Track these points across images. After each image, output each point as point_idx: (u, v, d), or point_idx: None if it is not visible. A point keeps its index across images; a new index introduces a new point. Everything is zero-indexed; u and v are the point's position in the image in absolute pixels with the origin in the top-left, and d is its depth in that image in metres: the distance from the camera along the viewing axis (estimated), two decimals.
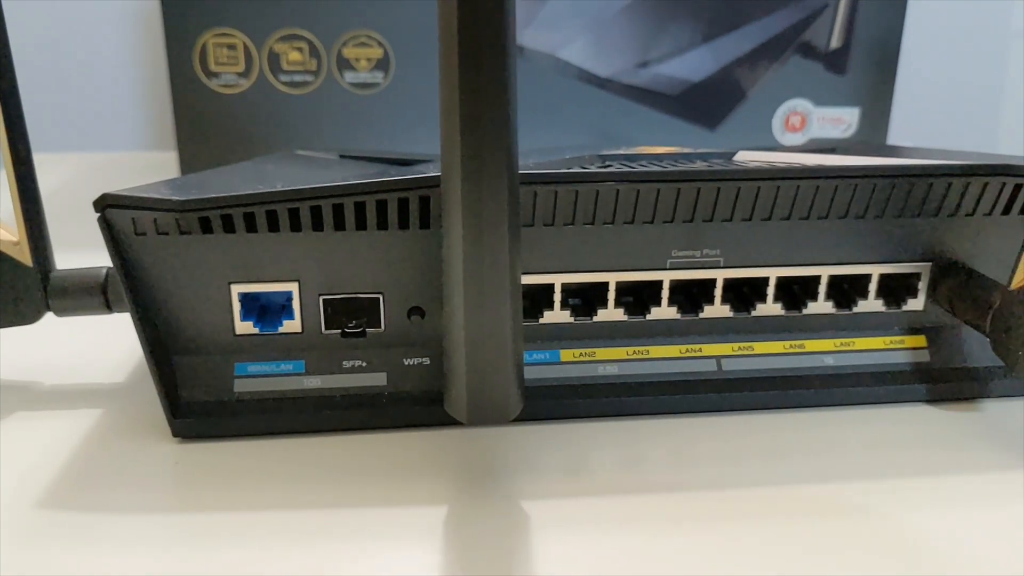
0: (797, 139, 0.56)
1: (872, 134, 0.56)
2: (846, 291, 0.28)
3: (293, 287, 0.25)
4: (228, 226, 0.24)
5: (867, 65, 0.55)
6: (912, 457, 0.24)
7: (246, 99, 0.52)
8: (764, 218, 0.26)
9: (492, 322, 0.20)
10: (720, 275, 0.27)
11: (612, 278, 0.26)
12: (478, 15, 0.17)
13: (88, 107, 0.65)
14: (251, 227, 0.24)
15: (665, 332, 0.27)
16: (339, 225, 0.24)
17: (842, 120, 0.56)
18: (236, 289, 0.25)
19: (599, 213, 0.25)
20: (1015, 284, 0.24)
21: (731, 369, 0.27)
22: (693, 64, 0.54)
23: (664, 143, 0.55)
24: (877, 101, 0.56)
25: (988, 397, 0.28)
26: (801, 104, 0.56)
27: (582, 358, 0.27)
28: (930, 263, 0.27)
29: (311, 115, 0.52)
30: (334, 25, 0.51)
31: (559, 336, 0.27)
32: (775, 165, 0.26)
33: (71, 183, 0.55)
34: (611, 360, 0.27)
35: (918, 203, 0.26)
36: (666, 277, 0.26)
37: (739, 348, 0.27)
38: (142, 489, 0.22)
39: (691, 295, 0.27)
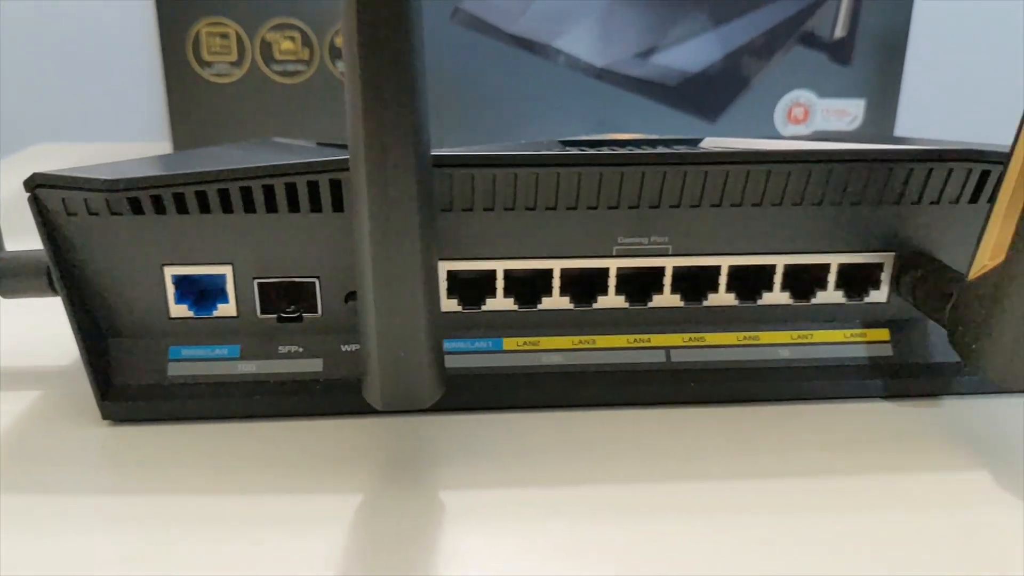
0: (800, 131, 0.55)
1: (879, 126, 0.55)
2: (804, 281, 0.27)
3: (227, 270, 0.25)
4: (159, 207, 0.24)
5: (873, 56, 0.54)
6: (864, 455, 0.23)
7: (239, 88, 0.52)
8: (714, 204, 0.25)
9: (403, 307, 0.20)
10: (669, 263, 0.26)
11: (556, 265, 0.26)
12: None
13: (84, 98, 0.65)
14: (182, 208, 0.24)
15: (612, 321, 0.26)
16: (271, 207, 0.24)
17: (847, 112, 0.55)
18: (169, 271, 0.24)
19: (540, 198, 0.24)
20: (972, 275, 0.22)
21: (681, 360, 0.26)
22: (691, 54, 0.53)
23: (662, 134, 0.54)
24: (884, 92, 0.54)
25: (952, 394, 0.26)
26: (804, 95, 0.54)
27: (525, 347, 0.26)
28: (893, 253, 0.26)
29: (304, 104, 0.52)
30: (326, 14, 0.51)
31: (502, 324, 0.26)
32: (729, 150, 0.25)
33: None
34: (556, 349, 0.26)
35: (879, 190, 0.25)
36: (612, 265, 0.26)
37: (690, 339, 0.26)
38: (64, 471, 0.22)
39: (639, 283, 0.26)
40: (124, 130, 0.64)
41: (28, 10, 0.64)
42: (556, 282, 0.26)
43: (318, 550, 0.19)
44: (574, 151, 0.24)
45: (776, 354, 0.27)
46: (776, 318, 0.27)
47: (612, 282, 0.26)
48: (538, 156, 0.24)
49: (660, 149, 0.25)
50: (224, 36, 0.51)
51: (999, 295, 0.22)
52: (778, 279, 0.26)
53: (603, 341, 0.26)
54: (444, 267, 0.25)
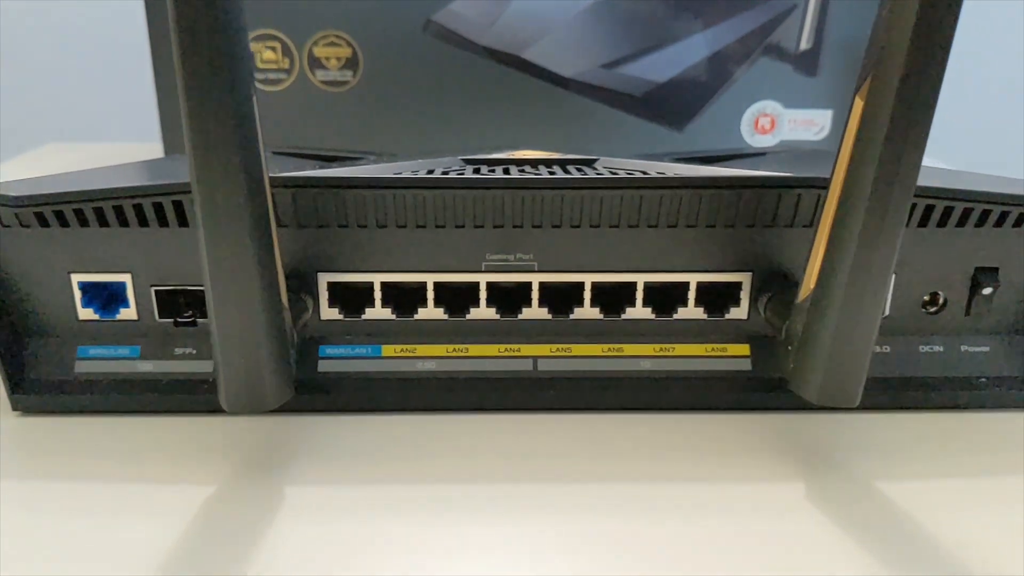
0: (767, 141, 0.56)
1: None
2: (665, 298, 0.28)
3: (127, 278, 0.27)
4: (62, 221, 0.26)
5: (839, 67, 0.54)
6: (701, 463, 0.25)
7: None
8: (574, 225, 0.27)
9: (239, 316, 0.22)
10: (536, 278, 0.28)
11: (430, 279, 0.28)
12: (195, 28, 0.19)
13: (94, 98, 0.69)
14: (83, 222, 0.26)
15: (484, 332, 0.28)
16: (163, 222, 0.26)
17: (814, 122, 0.55)
18: (75, 278, 0.27)
19: (409, 217, 0.26)
20: (800, 298, 0.24)
21: (547, 369, 0.28)
22: (658, 65, 0.54)
23: (629, 144, 0.55)
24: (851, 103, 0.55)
25: (805, 410, 0.28)
26: (771, 106, 0.55)
27: (403, 354, 0.28)
28: (750, 273, 0.28)
29: (285, 111, 0.55)
30: (305, 25, 0.53)
31: (381, 332, 0.28)
32: (595, 174, 0.27)
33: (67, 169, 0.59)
34: (431, 356, 0.28)
35: (733, 214, 0.27)
36: (482, 279, 0.28)
37: (557, 349, 0.28)
38: None
39: (509, 297, 0.28)
40: (131, 131, 0.67)
41: (36, 12, 0.68)
42: (430, 294, 0.28)
43: (160, 535, 0.21)
44: (451, 173, 0.26)
45: (638, 365, 0.28)
46: (641, 332, 0.28)
47: (483, 295, 0.28)
48: (404, 179, 0.26)
49: (525, 173, 0.27)
50: None
51: (811, 319, 0.23)
52: (640, 296, 0.28)
53: (475, 350, 0.28)
54: (325, 279, 0.27)
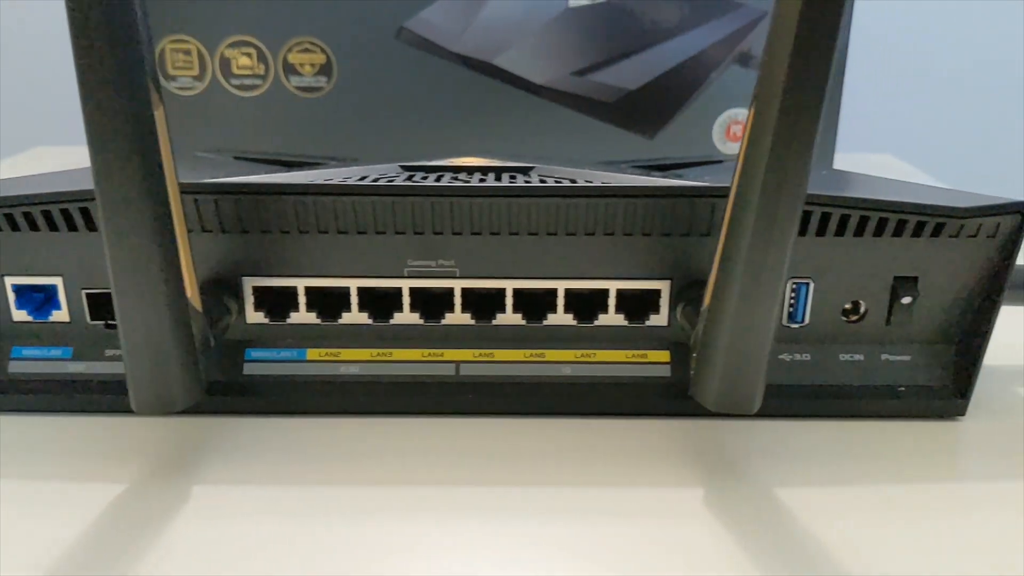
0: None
1: (819, 143, 0.55)
2: (587, 305, 0.28)
3: (58, 281, 0.28)
4: None
5: None
6: (608, 468, 0.25)
7: (201, 101, 0.55)
8: (494, 233, 0.27)
9: (143, 319, 0.22)
10: (457, 285, 0.28)
11: (353, 284, 0.28)
12: (88, 35, 0.19)
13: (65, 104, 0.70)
14: (14, 226, 0.27)
15: (408, 337, 0.29)
16: (91, 226, 0.27)
17: None
18: (9, 281, 0.28)
19: (331, 223, 0.27)
20: (704, 304, 0.24)
21: (469, 374, 0.29)
22: (629, 72, 0.54)
23: (601, 151, 0.55)
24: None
25: (726, 417, 0.28)
26: (742, 114, 0.55)
27: (327, 357, 0.29)
28: (669, 281, 0.28)
29: (261, 116, 0.56)
30: (280, 32, 0.54)
31: (307, 336, 0.29)
32: (523, 182, 0.27)
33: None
34: (354, 361, 0.29)
35: (650, 223, 0.27)
36: (405, 285, 0.28)
37: (479, 354, 0.29)
38: None
39: (432, 302, 0.28)
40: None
41: (31, 17, 0.69)
42: (354, 299, 0.28)
43: (53, 534, 0.22)
44: (356, 181, 0.27)
45: (559, 371, 0.29)
46: (563, 338, 0.29)
47: (406, 300, 0.28)
48: (324, 186, 0.26)
49: (456, 180, 0.27)
50: (187, 52, 0.54)
51: (707, 326, 0.23)
52: (561, 302, 0.28)
53: (399, 354, 0.29)
54: (250, 283, 0.28)
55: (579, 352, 0.29)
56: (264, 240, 0.27)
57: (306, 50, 0.54)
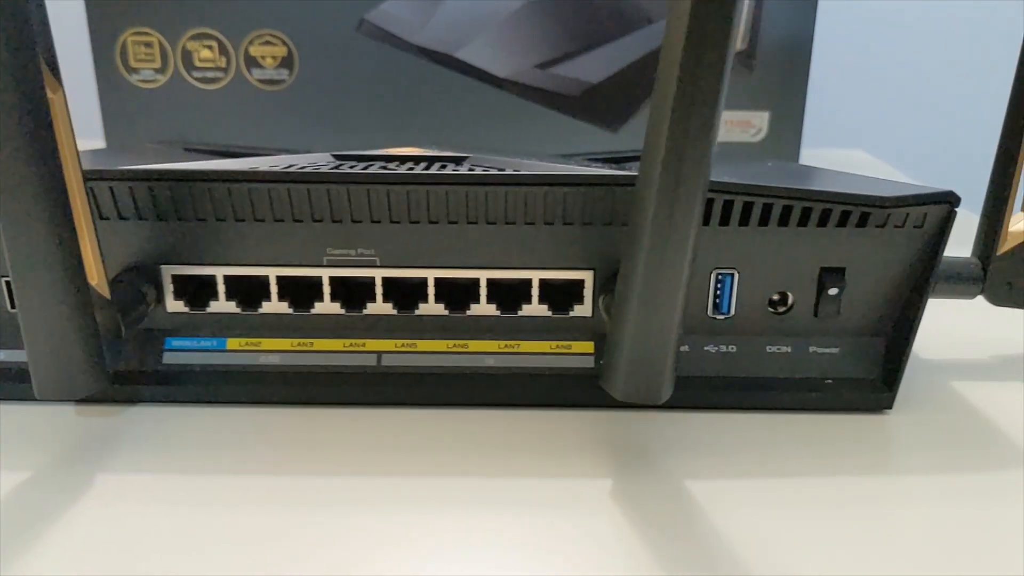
0: None
1: (784, 138, 0.55)
2: (510, 295, 0.28)
3: None
4: None
5: (775, 68, 0.54)
6: (523, 459, 0.25)
7: (164, 93, 0.55)
8: (413, 221, 0.27)
9: (45, 308, 0.22)
10: (378, 274, 0.28)
11: (272, 272, 0.28)
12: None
13: None
14: None
15: (329, 326, 0.28)
16: None
17: (751, 124, 0.55)
18: None
19: (247, 211, 0.27)
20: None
21: (391, 364, 0.28)
22: (592, 66, 0.54)
23: (565, 144, 0.55)
24: (788, 104, 0.54)
25: (651, 409, 0.28)
26: None
27: (247, 347, 0.28)
28: (592, 271, 0.27)
29: (223, 109, 0.55)
30: (241, 24, 0.54)
31: (227, 325, 0.28)
32: (448, 171, 0.27)
33: None
34: (275, 351, 0.28)
35: (571, 212, 0.27)
36: (324, 274, 0.28)
37: (402, 344, 0.28)
38: None
39: (353, 291, 0.28)
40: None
41: None
42: (273, 288, 0.28)
43: None
44: (274, 168, 0.26)
45: (483, 361, 0.28)
46: (487, 328, 0.28)
47: (326, 290, 0.28)
48: (241, 172, 0.26)
49: (386, 169, 0.27)
50: (148, 45, 0.54)
51: (614, 316, 0.23)
52: (483, 292, 0.28)
53: (320, 344, 0.28)
54: (169, 271, 0.28)
55: (503, 343, 0.28)
56: (182, 228, 0.27)
57: (267, 43, 0.54)
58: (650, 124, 0.21)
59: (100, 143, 0.57)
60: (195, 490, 0.23)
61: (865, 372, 0.28)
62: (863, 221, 0.27)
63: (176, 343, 0.28)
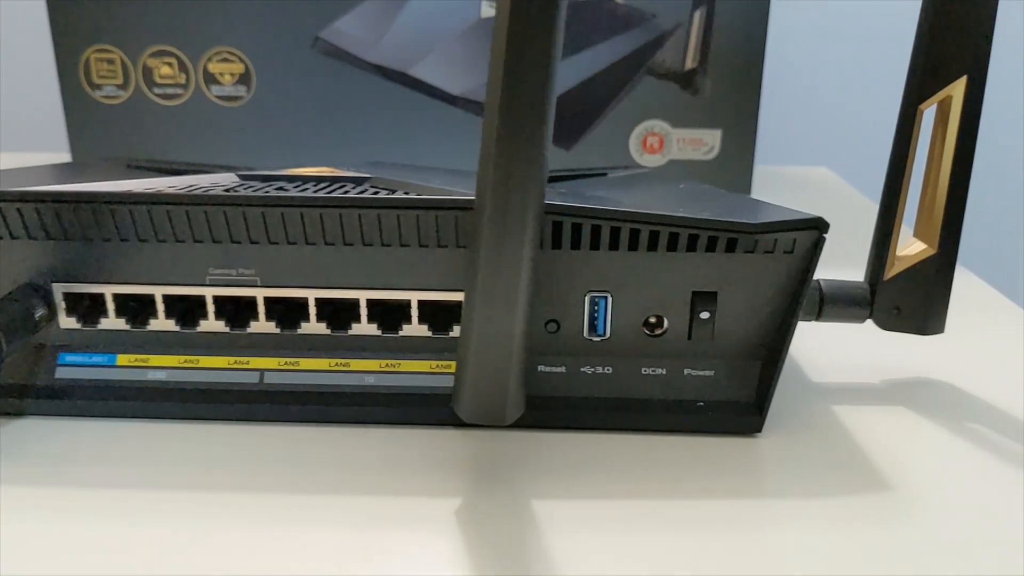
0: (657, 160, 0.56)
1: (736, 155, 0.55)
2: (390, 315, 0.29)
3: None
4: None
5: (727, 86, 0.54)
6: (387, 478, 0.25)
7: (126, 109, 0.56)
8: (291, 242, 0.28)
9: None
10: (259, 293, 0.28)
11: (158, 291, 0.28)
12: None
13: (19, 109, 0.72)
14: None
15: (215, 344, 0.29)
16: None
17: (702, 142, 0.55)
18: None
19: (130, 231, 0.27)
20: None
21: (273, 382, 0.29)
22: None
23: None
24: (740, 122, 0.55)
25: (529, 428, 0.28)
26: (659, 125, 0.55)
27: (136, 363, 0.29)
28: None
29: (183, 125, 0.56)
30: (200, 42, 0.55)
31: (118, 342, 0.29)
32: (323, 194, 0.27)
33: None
34: (162, 367, 0.29)
35: (444, 234, 0.27)
36: (208, 293, 0.28)
37: (285, 363, 0.29)
38: None
39: (237, 310, 0.29)
40: (49, 141, 0.69)
41: None
42: (160, 306, 0.29)
43: None
44: (154, 190, 0.27)
45: (363, 380, 0.29)
46: (369, 347, 0.29)
47: (211, 308, 0.29)
48: (123, 195, 0.27)
49: (282, 191, 0.28)
50: (111, 61, 0.56)
51: (460, 339, 0.23)
52: (364, 312, 0.28)
53: (206, 361, 0.29)
54: (60, 289, 0.29)
55: (384, 362, 0.29)
56: (72, 248, 0.28)
57: (225, 60, 0.55)
58: (481, 153, 0.21)
59: (67, 157, 0.58)
60: (68, 501, 0.24)
61: (740, 395, 0.28)
62: (732, 246, 0.27)
63: (69, 358, 0.29)
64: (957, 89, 0.28)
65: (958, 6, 0.28)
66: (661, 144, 0.55)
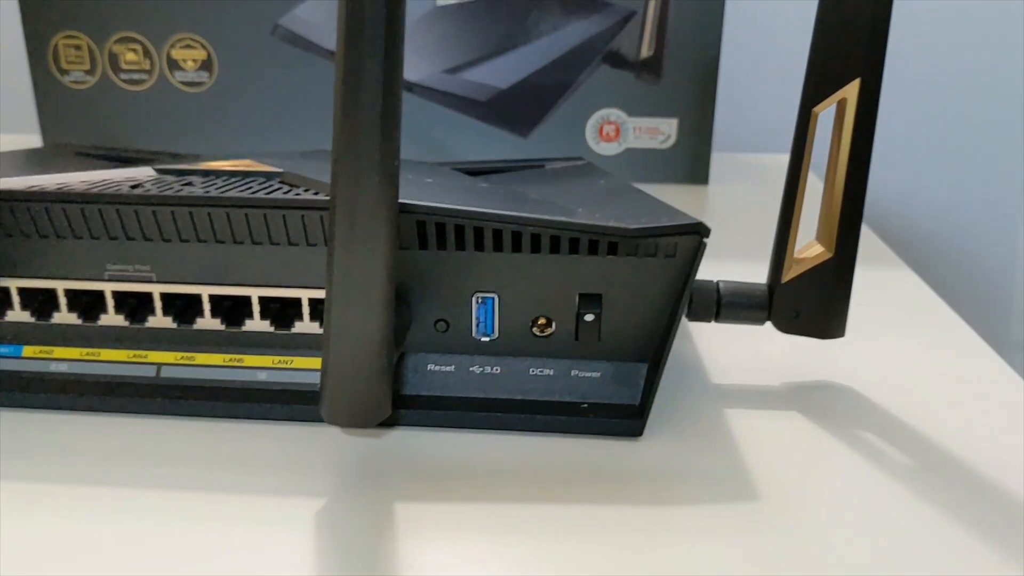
0: (613, 148, 0.56)
1: (693, 144, 0.55)
2: (282, 312, 0.29)
3: None
4: None
5: (683, 75, 0.54)
6: (269, 474, 0.26)
7: (93, 93, 0.57)
8: (184, 240, 0.28)
9: None
10: (155, 289, 0.29)
11: (59, 285, 0.29)
12: None
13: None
14: None
15: (114, 337, 0.30)
16: None
17: (659, 131, 0.55)
18: None
19: (30, 228, 0.28)
20: None
21: (170, 376, 0.29)
22: (500, 71, 0.54)
23: (477, 148, 0.56)
24: (696, 111, 0.54)
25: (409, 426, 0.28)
26: (615, 114, 0.55)
27: (40, 355, 0.30)
28: None
29: (148, 109, 0.57)
30: (163, 28, 0.56)
31: (23, 333, 0.30)
32: (211, 193, 0.28)
33: None
34: (65, 359, 0.30)
35: (315, 235, 0.27)
36: (107, 288, 0.29)
37: (181, 357, 0.30)
38: None
39: (137, 306, 0.29)
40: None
41: None
42: (62, 300, 0.29)
43: None
44: (51, 187, 0.28)
45: (255, 376, 0.29)
46: (263, 343, 0.29)
47: (110, 303, 0.29)
48: (21, 192, 0.28)
49: (153, 187, 0.28)
50: (78, 48, 0.56)
51: (322, 342, 0.24)
52: (256, 309, 0.29)
53: (106, 354, 0.30)
54: None
55: (277, 359, 0.29)
56: None
57: (188, 46, 0.55)
58: (332, 154, 0.22)
59: (38, 140, 0.59)
60: None
61: (625, 397, 0.28)
62: (613, 250, 0.27)
63: None
64: (851, 92, 0.28)
65: (850, 8, 0.27)
66: (617, 132, 0.55)
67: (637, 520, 0.24)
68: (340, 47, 0.21)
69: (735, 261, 0.35)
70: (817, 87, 0.28)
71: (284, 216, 0.27)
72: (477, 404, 0.29)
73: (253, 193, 0.28)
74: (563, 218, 0.27)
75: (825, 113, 0.29)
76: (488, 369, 0.29)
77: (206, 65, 0.56)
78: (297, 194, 0.28)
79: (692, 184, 0.56)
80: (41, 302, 0.30)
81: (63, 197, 0.28)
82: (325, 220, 0.27)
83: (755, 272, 0.31)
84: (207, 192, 0.28)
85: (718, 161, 0.58)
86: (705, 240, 0.27)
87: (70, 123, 0.58)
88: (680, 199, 0.53)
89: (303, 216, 0.27)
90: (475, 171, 0.43)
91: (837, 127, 0.29)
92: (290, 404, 0.29)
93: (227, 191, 0.28)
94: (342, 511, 0.24)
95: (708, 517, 0.24)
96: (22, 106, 0.69)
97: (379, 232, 0.22)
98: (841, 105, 0.29)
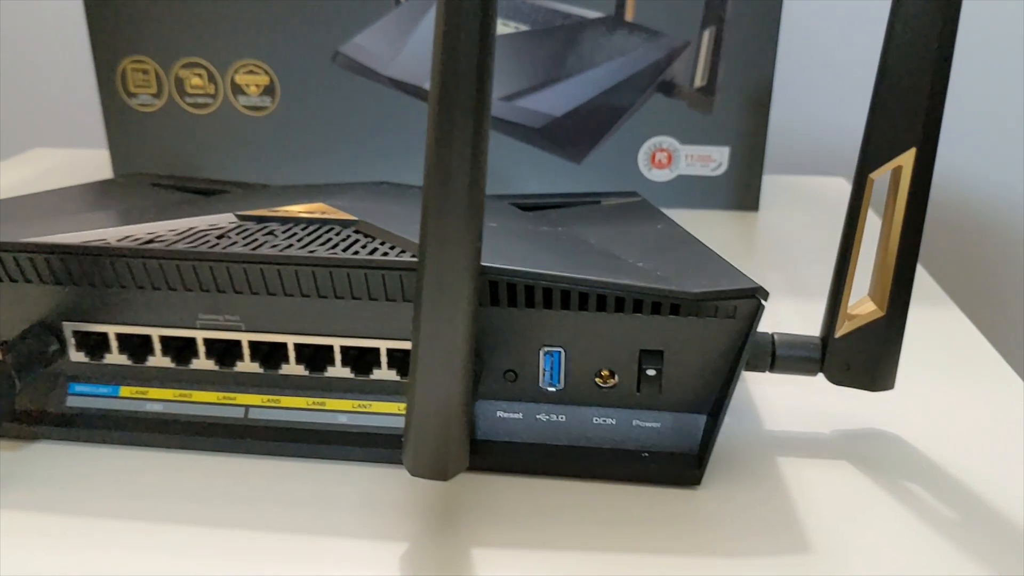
0: (665, 175, 0.57)
1: (745, 171, 0.56)
2: (362, 360, 0.31)
3: None
4: None
5: (736, 104, 0.55)
6: (346, 517, 0.28)
7: (160, 116, 0.60)
8: (271, 293, 0.30)
9: None
10: (244, 337, 0.31)
11: (155, 332, 0.31)
12: None
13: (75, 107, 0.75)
14: None
15: (206, 380, 0.32)
16: None
17: (711, 158, 0.56)
18: None
19: (128, 280, 0.30)
20: None
21: (257, 417, 0.32)
22: (554, 99, 0.56)
23: (531, 174, 0.57)
24: (748, 139, 0.55)
25: (487, 472, 0.30)
26: (667, 141, 0.56)
27: (137, 395, 0.32)
28: None
29: (213, 131, 0.59)
30: (227, 54, 0.58)
31: (121, 375, 0.32)
32: (309, 253, 0.30)
33: (47, 173, 0.66)
34: (159, 399, 0.32)
35: (410, 290, 0.29)
36: (198, 335, 0.31)
37: (267, 400, 0.32)
38: None
39: (225, 351, 0.32)
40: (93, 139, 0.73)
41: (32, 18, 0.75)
42: (156, 345, 0.32)
43: None
44: (148, 244, 0.30)
45: (336, 419, 0.31)
46: (343, 388, 0.31)
47: (201, 348, 0.31)
48: (119, 248, 0.30)
49: (239, 235, 0.30)
50: (145, 72, 0.59)
51: (406, 395, 0.26)
52: (337, 357, 0.31)
53: (198, 396, 0.32)
54: (70, 327, 0.32)
55: (357, 403, 0.31)
56: (79, 291, 0.31)
57: (251, 72, 0.57)
58: (420, 223, 0.24)
59: (106, 155, 0.61)
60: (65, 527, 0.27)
61: (684, 447, 0.30)
62: (675, 311, 0.29)
63: (78, 388, 0.32)
64: (907, 160, 0.29)
65: (906, 82, 0.28)
66: (669, 160, 0.56)
67: (694, 567, 0.26)
68: (431, 138, 0.22)
69: (785, 297, 0.36)
70: (874, 154, 0.30)
71: (366, 275, 0.29)
72: (543, 451, 0.30)
73: (334, 247, 0.30)
74: (628, 281, 0.28)
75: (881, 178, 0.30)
76: (554, 417, 0.31)
77: (269, 90, 0.58)
78: (374, 249, 0.30)
79: (742, 210, 0.57)
80: (137, 346, 0.32)
81: (159, 254, 0.30)
82: (404, 279, 0.29)
83: (803, 308, 0.32)
84: (290, 245, 0.30)
85: (767, 183, 0.59)
86: (764, 303, 0.28)
87: (137, 143, 0.60)
88: (731, 227, 0.54)
89: (383, 275, 0.29)
90: (531, 206, 0.44)
91: (892, 193, 0.30)
92: (368, 447, 0.31)
93: (309, 245, 0.30)
94: (420, 554, 0.26)
95: (761, 569, 0.26)
96: (88, 121, 0.72)
97: (462, 301, 0.24)
98: (896, 172, 0.30)
